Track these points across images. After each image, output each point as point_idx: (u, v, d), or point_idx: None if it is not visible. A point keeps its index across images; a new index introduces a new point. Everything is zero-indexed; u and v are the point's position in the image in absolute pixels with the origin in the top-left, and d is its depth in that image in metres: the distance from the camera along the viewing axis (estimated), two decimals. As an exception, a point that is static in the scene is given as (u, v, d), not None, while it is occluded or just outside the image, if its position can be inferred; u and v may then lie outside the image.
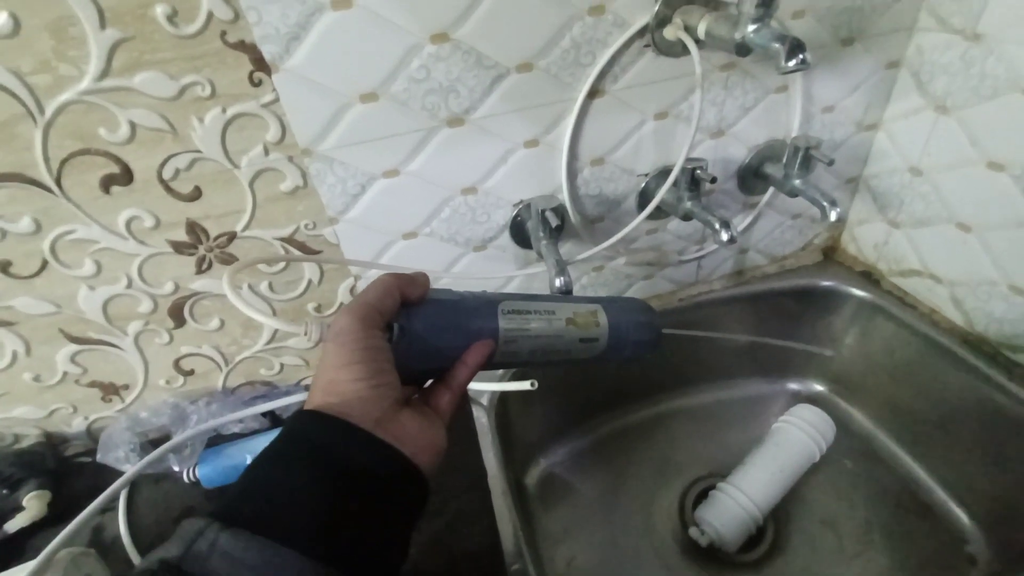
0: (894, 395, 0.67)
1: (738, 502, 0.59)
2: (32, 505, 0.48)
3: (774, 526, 0.62)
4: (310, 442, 0.24)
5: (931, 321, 0.62)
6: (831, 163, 0.51)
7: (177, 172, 0.42)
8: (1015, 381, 0.54)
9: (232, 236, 0.47)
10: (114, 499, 0.50)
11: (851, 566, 0.59)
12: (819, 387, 0.75)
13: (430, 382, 0.31)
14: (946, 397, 0.61)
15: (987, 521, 0.59)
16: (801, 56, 0.36)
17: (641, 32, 0.45)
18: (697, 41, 0.44)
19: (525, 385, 0.54)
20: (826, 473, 0.66)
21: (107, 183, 0.41)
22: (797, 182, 0.54)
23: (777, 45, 0.37)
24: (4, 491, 0.49)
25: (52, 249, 0.43)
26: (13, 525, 0.47)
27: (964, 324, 0.60)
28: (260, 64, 0.39)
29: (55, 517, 0.49)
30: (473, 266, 0.56)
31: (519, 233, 0.55)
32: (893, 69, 0.56)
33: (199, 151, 0.41)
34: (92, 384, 0.53)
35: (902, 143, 0.59)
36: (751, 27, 0.38)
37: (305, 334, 0.28)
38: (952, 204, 0.56)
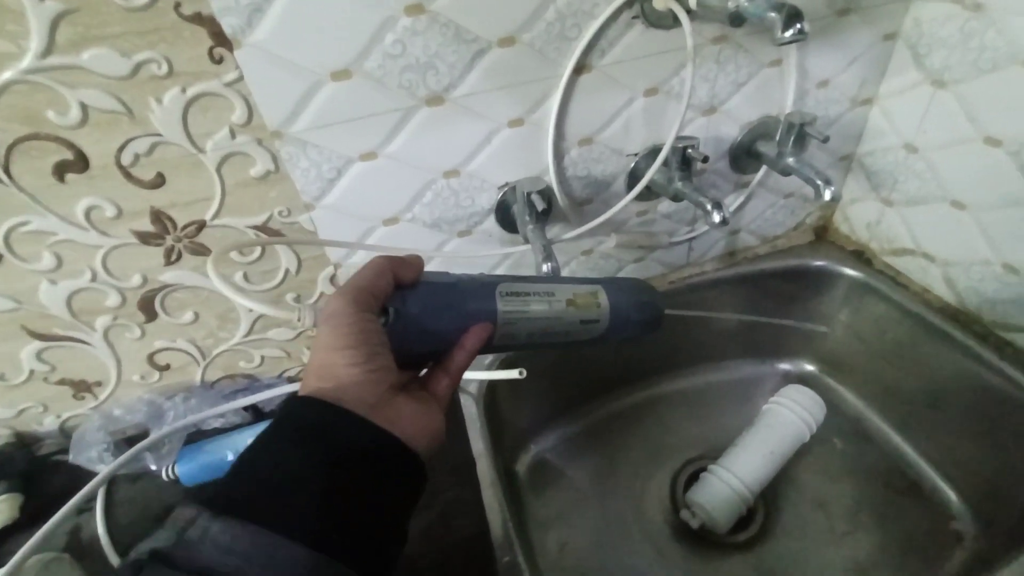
0: (885, 375, 0.67)
1: (729, 484, 0.59)
2: (2, 509, 0.46)
3: (764, 507, 0.62)
4: (303, 428, 0.23)
5: (923, 300, 0.61)
6: (826, 140, 0.49)
7: (137, 157, 0.39)
8: (1006, 360, 0.54)
9: (201, 225, 0.44)
10: (91, 500, 0.49)
11: (840, 545, 0.60)
12: (810, 367, 0.75)
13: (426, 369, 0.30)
14: (936, 376, 0.61)
15: (974, 498, 0.59)
16: (798, 25, 0.34)
17: (629, 2, 0.43)
18: (688, 11, 0.42)
19: (513, 374, 0.52)
20: (816, 453, 0.66)
21: (61, 170, 0.38)
22: (790, 160, 0.52)
23: (773, 14, 0.35)
24: (-28, 495, 0.47)
25: (6, 242, 0.41)
26: (-17, 530, 0.46)
27: (956, 303, 0.59)
28: (220, 39, 0.36)
29: (28, 520, 0.47)
30: (458, 252, 0.54)
31: (505, 217, 0.53)
32: (890, 42, 0.54)
33: (159, 134, 0.39)
34: (62, 382, 0.51)
35: (897, 119, 0.58)
36: (746, -5, 0.36)
37: (298, 320, 0.27)
38: (947, 182, 0.55)
